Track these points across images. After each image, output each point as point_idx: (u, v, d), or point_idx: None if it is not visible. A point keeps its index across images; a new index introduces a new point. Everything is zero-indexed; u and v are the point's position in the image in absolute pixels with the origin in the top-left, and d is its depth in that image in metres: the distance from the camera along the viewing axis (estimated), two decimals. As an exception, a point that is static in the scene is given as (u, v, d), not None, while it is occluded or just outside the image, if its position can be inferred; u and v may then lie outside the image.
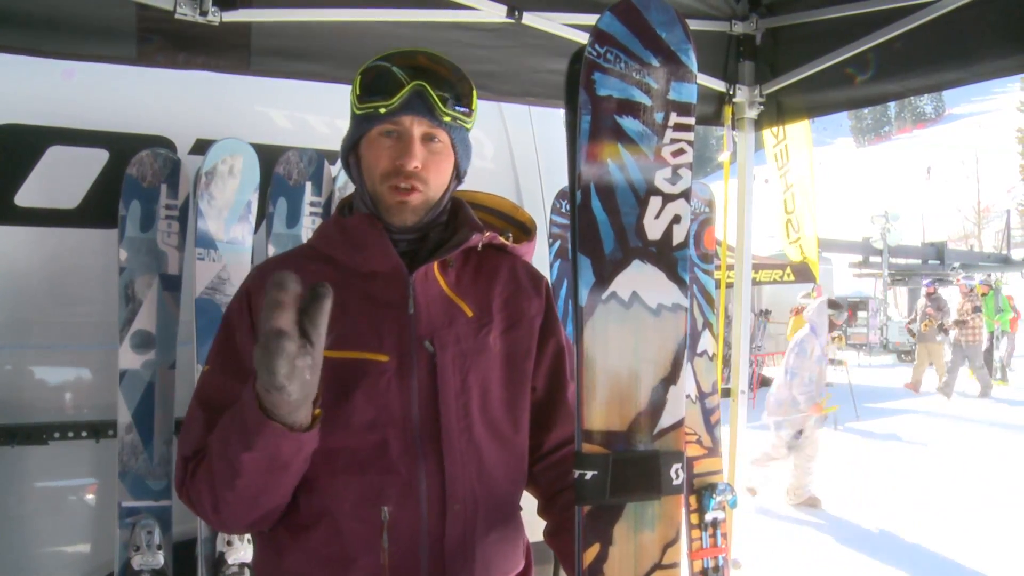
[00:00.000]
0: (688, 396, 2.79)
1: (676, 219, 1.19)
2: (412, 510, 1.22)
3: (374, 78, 1.26)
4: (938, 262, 24.47)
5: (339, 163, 1.84)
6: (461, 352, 1.28)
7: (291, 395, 1.02)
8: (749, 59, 2.80)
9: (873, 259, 23.95)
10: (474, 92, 1.31)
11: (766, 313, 14.90)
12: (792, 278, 13.29)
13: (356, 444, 1.23)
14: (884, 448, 8.97)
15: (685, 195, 1.20)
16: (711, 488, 2.76)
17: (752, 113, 2.86)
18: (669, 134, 1.17)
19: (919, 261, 24.97)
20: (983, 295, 13.60)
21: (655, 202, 1.17)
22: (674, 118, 1.17)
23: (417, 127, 1.26)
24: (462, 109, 1.29)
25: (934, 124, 76.67)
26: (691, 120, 1.19)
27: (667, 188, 1.18)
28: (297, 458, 1.15)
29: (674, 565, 1.21)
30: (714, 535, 2.77)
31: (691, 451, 2.78)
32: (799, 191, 5.16)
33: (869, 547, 5.43)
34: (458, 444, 1.25)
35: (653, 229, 1.18)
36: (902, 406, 11.98)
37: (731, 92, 2.79)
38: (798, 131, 5.08)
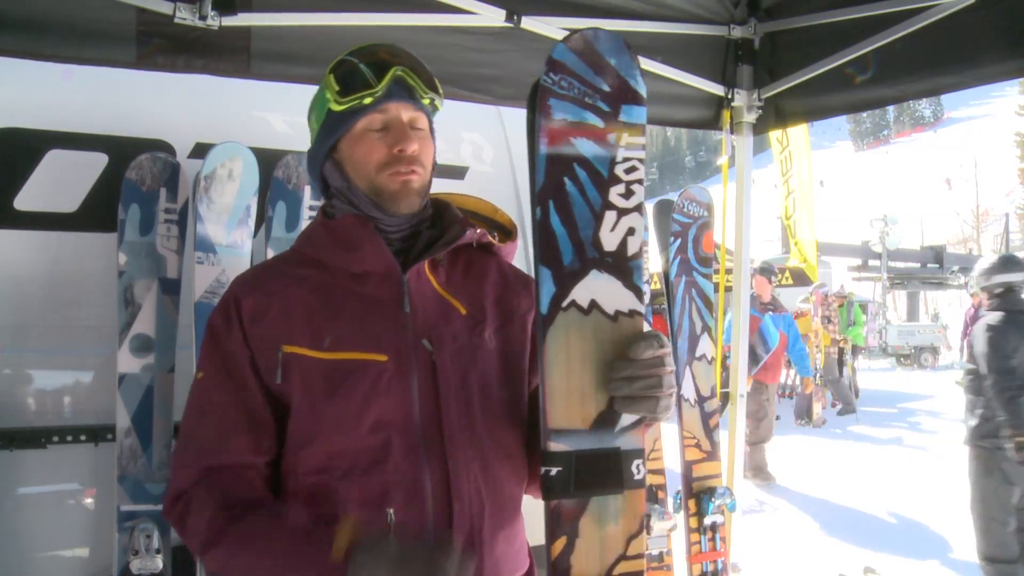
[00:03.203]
0: (687, 400, 2.80)
1: (630, 231, 1.26)
2: (418, 511, 1.21)
3: (348, 73, 1.27)
4: (937, 266, 24.53)
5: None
6: (459, 349, 1.28)
7: None
8: (747, 63, 2.80)
9: (872, 263, 23.97)
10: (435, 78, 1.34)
11: (765, 317, 14.90)
12: (791, 281, 13.32)
13: (359, 446, 1.22)
14: (886, 452, 8.96)
15: (639, 209, 1.28)
16: (710, 492, 2.76)
17: (750, 117, 2.86)
18: (621, 153, 1.26)
19: (918, 265, 25.01)
20: (839, 307, 12.24)
21: (610, 216, 1.26)
22: (626, 138, 1.26)
23: (404, 112, 1.28)
24: (433, 91, 1.32)
25: (933, 128, 76.79)
26: (642, 139, 1.28)
27: (621, 203, 1.26)
28: None
29: (639, 556, 1.26)
30: (713, 539, 2.77)
31: (690, 455, 2.78)
32: (799, 196, 5.18)
33: (870, 552, 5.42)
34: (461, 442, 1.25)
35: (609, 241, 1.25)
36: (903, 408, 11.98)
37: (729, 96, 2.80)
38: (796, 136, 5.10)
